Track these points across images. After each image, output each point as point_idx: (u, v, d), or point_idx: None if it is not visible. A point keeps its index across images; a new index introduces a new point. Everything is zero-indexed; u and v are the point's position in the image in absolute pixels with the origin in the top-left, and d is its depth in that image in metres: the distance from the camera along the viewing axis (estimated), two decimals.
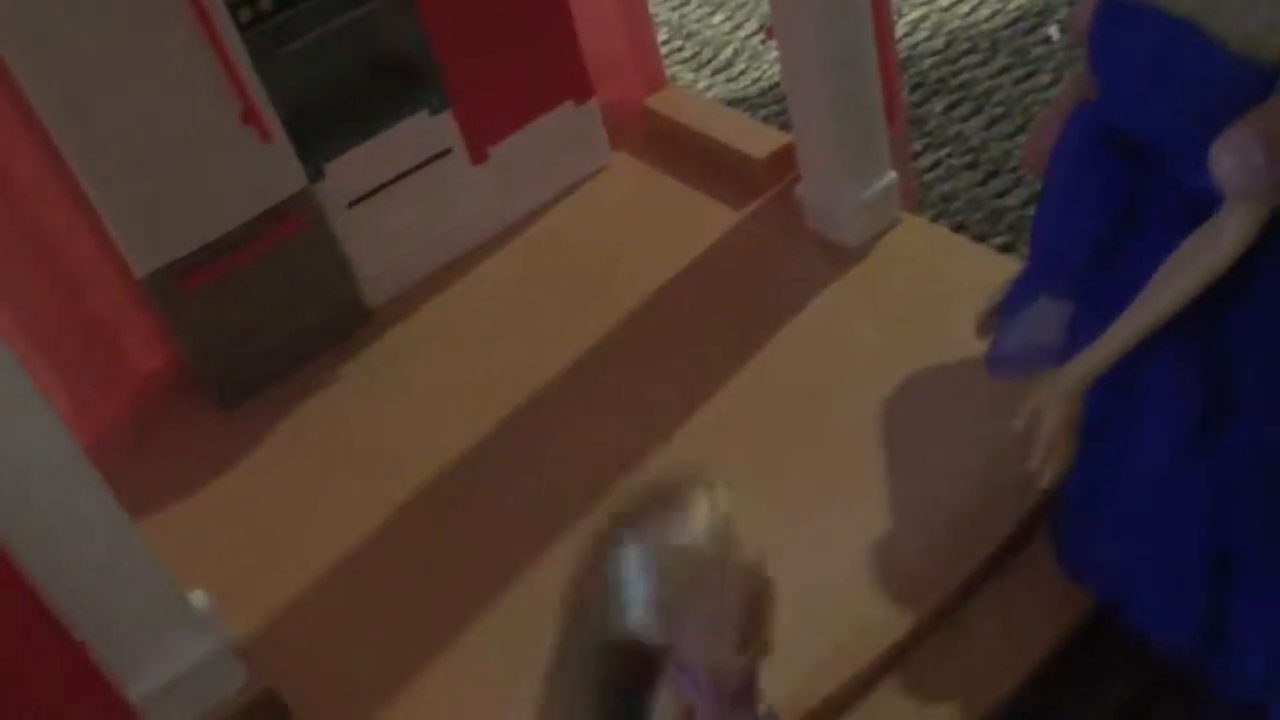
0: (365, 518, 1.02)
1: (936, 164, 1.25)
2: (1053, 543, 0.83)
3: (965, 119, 1.29)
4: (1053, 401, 0.62)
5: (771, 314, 1.09)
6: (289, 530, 1.03)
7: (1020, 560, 0.87)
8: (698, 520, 0.53)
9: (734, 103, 1.41)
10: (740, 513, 0.55)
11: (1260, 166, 0.52)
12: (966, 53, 1.38)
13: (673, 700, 0.58)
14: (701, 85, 1.46)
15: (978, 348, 0.99)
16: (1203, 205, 0.58)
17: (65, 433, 0.77)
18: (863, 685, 0.83)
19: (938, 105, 1.32)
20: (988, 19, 1.42)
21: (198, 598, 0.89)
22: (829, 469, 0.95)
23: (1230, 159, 0.53)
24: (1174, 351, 0.60)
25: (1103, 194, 0.63)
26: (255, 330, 1.12)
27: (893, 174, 1.10)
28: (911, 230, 1.12)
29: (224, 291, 1.08)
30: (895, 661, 0.84)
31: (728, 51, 1.50)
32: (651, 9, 1.31)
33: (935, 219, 1.17)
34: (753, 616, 0.55)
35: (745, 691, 0.59)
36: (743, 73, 1.46)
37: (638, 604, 0.54)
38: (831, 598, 0.86)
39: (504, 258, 1.22)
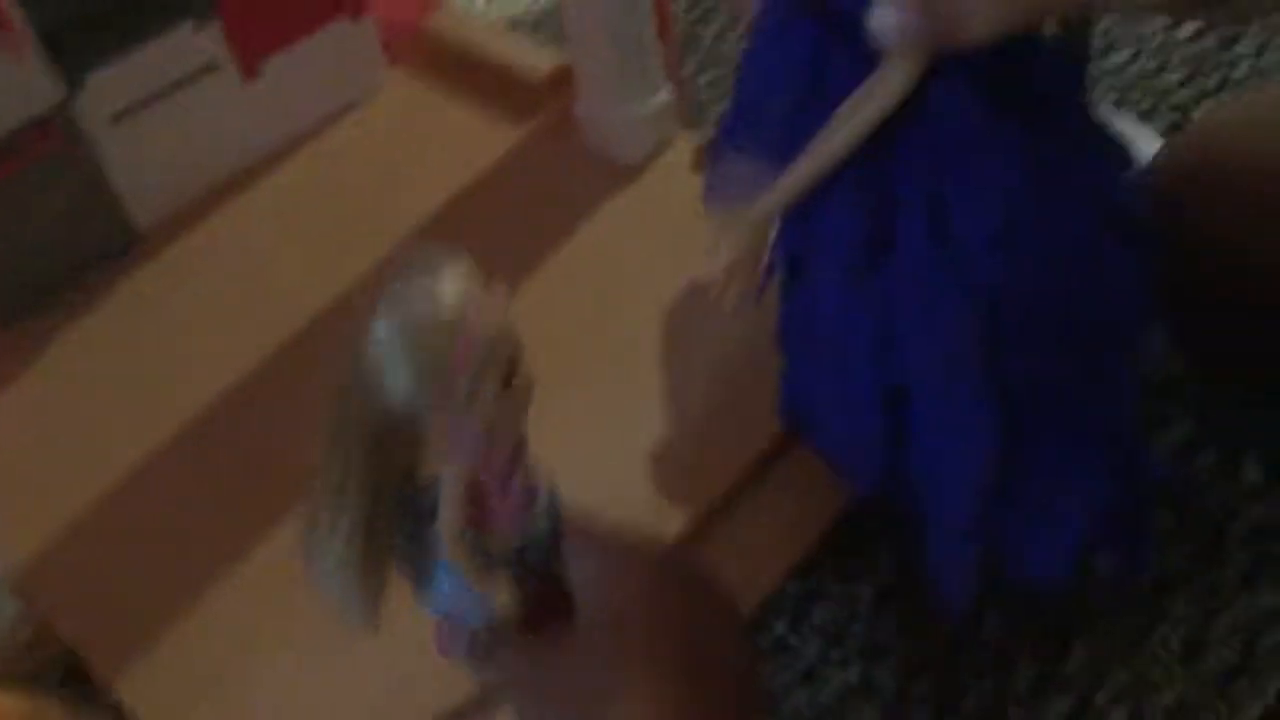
0: (139, 439, 0.99)
1: (712, 83, 1.29)
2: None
3: (739, 40, 1.33)
4: (735, 231, 0.67)
5: (551, 231, 1.10)
6: (59, 455, 0.99)
7: (788, 457, 0.92)
8: (446, 283, 0.56)
9: (513, 24, 1.41)
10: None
11: (914, 21, 0.57)
12: None
13: (459, 463, 0.60)
14: (479, 7, 1.45)
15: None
16: (874, 64, 0.63)
17: None
18: None
19: (712, 27, 1.35)
20: None
21: None
22: (612, 380, 0.98)
23: (885, 15, 0.58)
24: (841, 192, 0.65)
25: (792, 54, 0.67)
26: (18, 252, 1.07)
27: (666, 93, 1.13)
28: (686, 148, 1.15)
29: None
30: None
31: None
32: None
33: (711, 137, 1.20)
34: (509, 361, 0.58)
35: (520, 448, 0.63)
36: None
37: (400, 373, 0.56)
38: (612, 501, 0.89)
39: (277, 178, 1.20)
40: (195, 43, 1.11)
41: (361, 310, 0.58)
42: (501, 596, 0.66)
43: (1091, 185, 0.65)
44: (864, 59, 0.61)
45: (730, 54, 1.31)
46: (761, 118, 0.69)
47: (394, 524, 0.64)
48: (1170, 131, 1.13)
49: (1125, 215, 0.66)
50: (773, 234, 0.74)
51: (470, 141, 1.20)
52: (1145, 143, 1.08)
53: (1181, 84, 1.19)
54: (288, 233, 1.15)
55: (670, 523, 0.88)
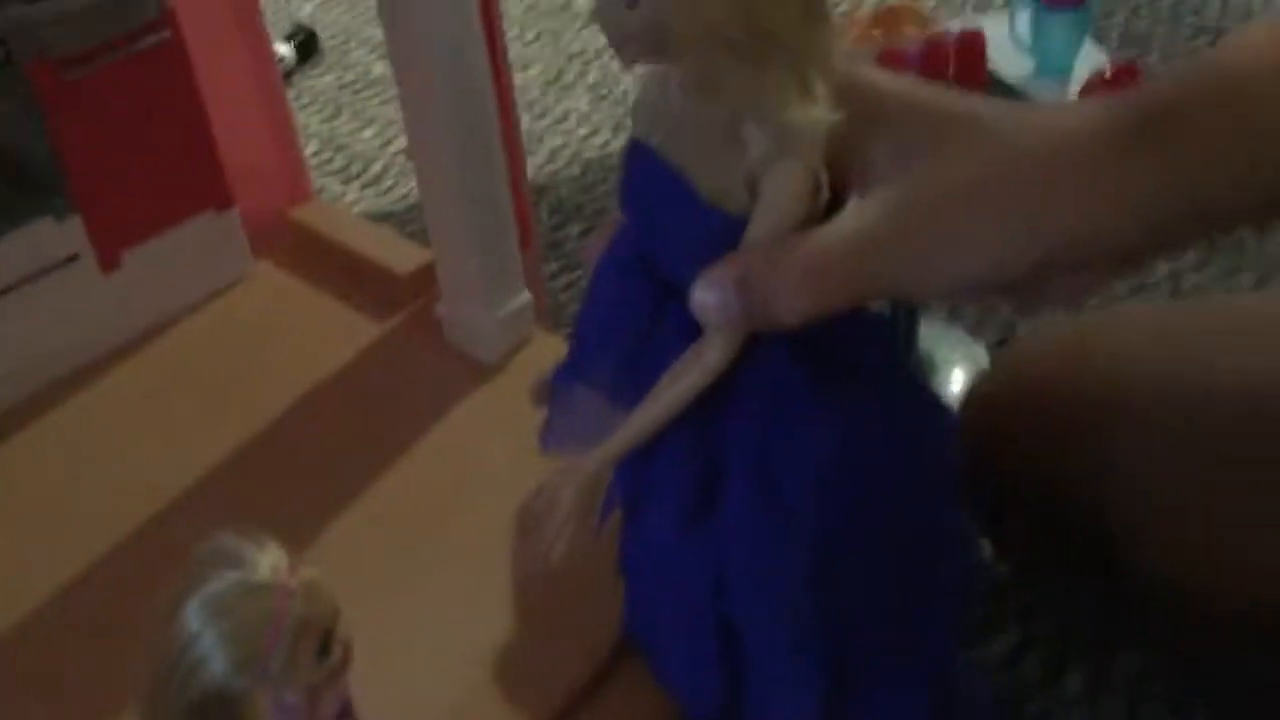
0: None
1: (570, 284, 1.33)
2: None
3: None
4: (566, 484, 0.70)
5: (408, 427, 1.11)
6: None
7: (632, 667, 0.93)
8: (253, 566, 0.59)
9: (383, 217, 1.45)
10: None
11: (731, 304, 0.61)
12: (600, 182, 1.48)
13: None
14: (350, 198, 1.49)
15: None
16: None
17: None
18: None
19: (574, 229, 1.41)
20: (620, 152, 1.52)
21: None
22: (456, 580, 0.98)
23: (704, 297, 0.62)
24: (673, 445, 0.69)
25: (628, 311, 0.71)
26: None
27: (527, 294, 1.16)
28: (545, 346, 1.18)
29: None
30: None
31: (377, 166, 1.54)
32: (303, 120, 1.34)
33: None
34: (325, 631, 0.61)
35: (346, 710, 0.65)
36: (391, 188, 1.50)
37: (212, 656, 0.57)
38: (451, 708, 0.89)
39: (136, 366, 1.20)
40: (54, 236, 1.12)
41: (169, 596, 0.60)
42: None
43: (908, 436, 0.69)
44: (694, 324, 0.65)
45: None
46: (598, 363, 0.73)
47: None
48: (998, 346, 1.20)
49: (941, 466, 0.70)
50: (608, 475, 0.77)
51: (333, 334, 1.22)
52: (973, 359, 1.15)
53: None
54: (143, 424, 1.14)
55: None
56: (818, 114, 0.59)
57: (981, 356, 1.15)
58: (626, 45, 0.61)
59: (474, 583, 0.99)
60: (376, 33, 1.84)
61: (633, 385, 0.69)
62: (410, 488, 1.07)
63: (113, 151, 1.12)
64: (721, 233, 0.62)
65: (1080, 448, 0.83)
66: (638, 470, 0.73)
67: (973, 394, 0.90)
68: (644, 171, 0.66)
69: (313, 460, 1.09)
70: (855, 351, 0.67)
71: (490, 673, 0.92)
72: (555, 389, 0.81)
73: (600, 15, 0.60)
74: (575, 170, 1.47)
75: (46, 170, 1.09)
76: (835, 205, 0.63)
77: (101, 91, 1.09)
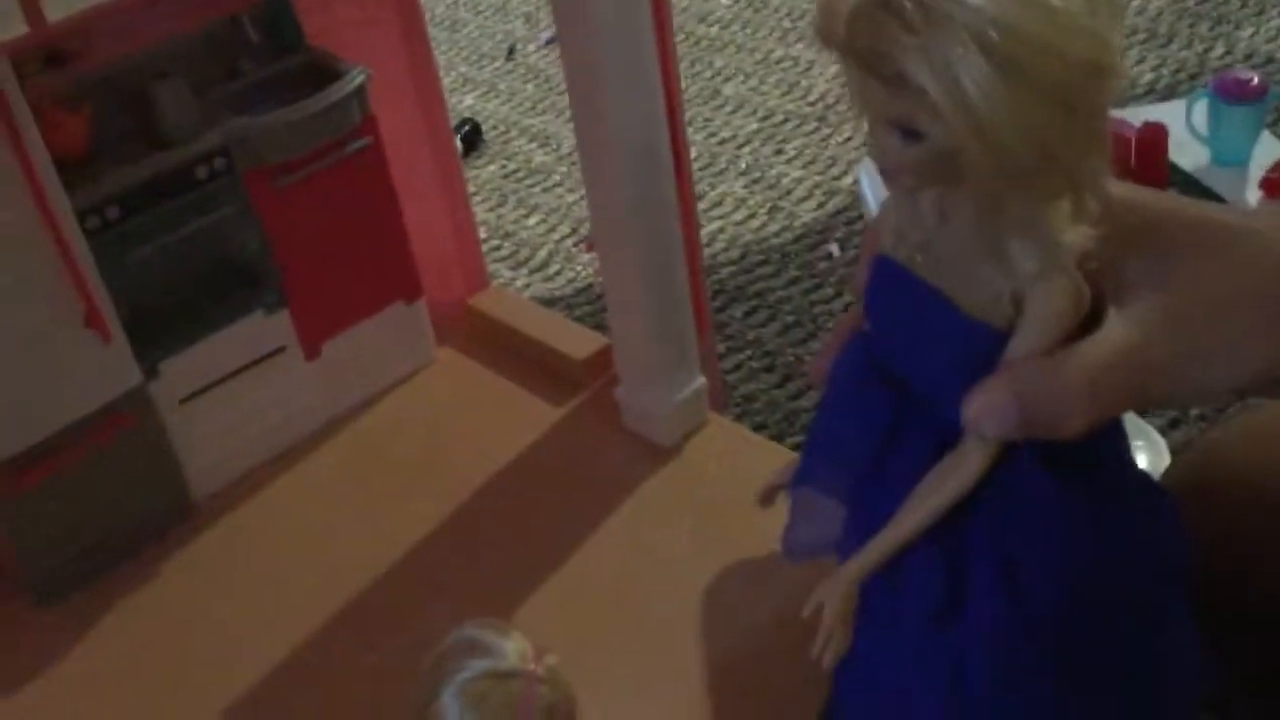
0: (196, 702, 1.02)
1: (737, 366, 1.37)
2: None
3: (762, 325, 1.42)
4: (832, 595, 0.72)
5: (590, 509, 1.16)
6: (125, 716, 1.02)
7: None
8: (502, 654, 0.65)
9: (550, 301, 1.50)
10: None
11: (1009, 416, 0.63)
12: (760, 264, 1.52)
13: None
14: (519, 283, 1.55)
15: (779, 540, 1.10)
16: (949, 433, 0.69)
17: None
18: None
19: (737, 311, 1.45)
20: (776, 234, 1.57)
21: None
22: (644, 662, 1.01)
23: (981, 408, 0.64)
24: (923, 551, 0.71)
25: (868, 419, 0.74)
26: (81, 526, 1.12)
27: (702, 379, 1.21)
28: (718, 430, 1.22)
29: (54, 488, 1.08)
30: None
31: (543, 252, 1.61)
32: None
33: (738, 418, 1.28)
34: (569, 713, 0.67)
35: None
36: (558, 273, 1.57)
37: None
38: None
39: (330, 451, 1.27)
40: (264, 329, 1.20)
41: (422, 684, 0.66)
42: None
43: (1146, 538, 0.71)
44: (936, 428, 0.68)
45: (755, 339, 1.40)
46: (836, 471, 0.76)
47: None
48: (1170, 429, 1.20)
49: (1177, 565, 0.72)
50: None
51: (514, 417, 1.27)
52: (1153, 444, 1.15)
53: None
54: (338, 506, 1.21)
55: None
56: (1085, 232, 0.62)
57: (1159, 441, 1.16)
58: (901, 175, 0.65)
59: (662, 667, 1.02)
60: (536, 122, 1.92)
61: (869, 491, 0.72)
62: (596, 570, 1.11)
63: (318, 249, 1.20)
64: (984, 346, 0.64)
65: None
66: (880, 576, 0.75)
67: (1169, 485, 0.91)
68: (894, 284, 0.69)
69: (501, 540, 1.14)
70: (1094, 452, 0.69)
71: None
72: (793, 495, 0.84)
73: (878, 149, 0.64)
74: (735, 254, 1.52)
75: (261, 268, 1.17)
76: (1090, 315, 0.66)
77: (311, 194, 1.17)
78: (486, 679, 0.64)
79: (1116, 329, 0.62)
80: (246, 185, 1.14)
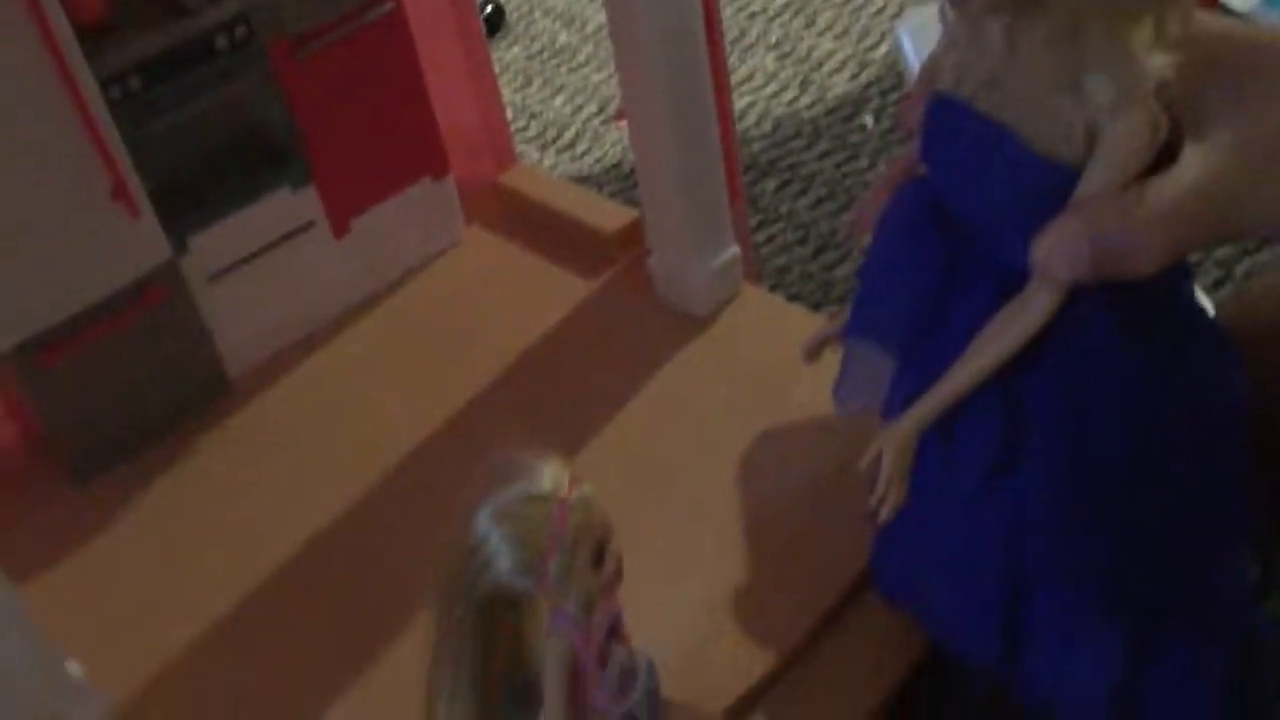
0: (232, 588, 1.03)
1: (770, 239, 1.35)
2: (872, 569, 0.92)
3: (794, 198, 1.40)
4: (890, 445, 0.71)
5: (626, 380, 1.15)
6: (154, 603, 1.03)
7: (863, 604, 0.95)
8: (539, 477, 0.65)
9: (578, 180, 1.48)
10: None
11: (1082, 255, 0.61)
12: (792, 137, 1.49)
13: (556, 645, 0.67)
14: (547, 163, 1.53)
15: (816, 408, 1.09)
16: (1009, 278, 0.67)
17: None
18: None
19: (769, 185, 1.42)
20: (809, 107, 1.54)
21: (72, 667, 0.89)
22: (683, 528, 1.01)
23: (1051, 249, 0.62)
24: (980, 403, 0.69)
25: (922, 268, 0.72)
26: (115, 402, 1.12)
27: (735, 248, 1.19)
28: (752, 300, 1.20)
29: (85, 364, 1.08)
30: (748, 706, 0.90)
31: (570, 132, 1.58)
32: None
33: (772, 290, 1.26)
34: (599, 543, 0.66)
35: (616, 625, 0.70)
36: (586, 152, 1.54)
37: (498, 557, 0.64)
38: (685, 654, 0.91)
39: (363, 328, 1.26)
40: (291, 204, 1.19)
41: (464, 501, 0.65)
42: None
43: (1210, 385, 0.69)
44: (997, 274, 0.66)
45: (788, 212, 1.38)
46: (887, 319, 0.74)
47: (504, 704, 0.70)
48: (1214, 288, 1.18)
49: (1238, 412, 0.70)
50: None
51: (545, 292, 1.26)
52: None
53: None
54: (372, 383, 1.20)
55: (755, 663, 0.90)
56: (1163, 61, 0.60)
57: (1204, 300, 1.13)
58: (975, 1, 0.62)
59: (700, 531, 1.02)
60: (559, 2, 1.88)
61: (923, 343, 0.71)
62: (631, 439, 1.10)
63: (344, 122, 1.18)
64: (1054, 184, 0.62)
65: None
66: (933, 429, 0.74)
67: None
68: (954, 123, 0.66)
69: (536, 412, 1.13)
70: (1161, 297, 0.67)
71: (719, 620, 0.95)
72: (845, 346, 0.82)
73: None
74: (766, 127, 1.49)
75: (286, 142, 1.16)
76: (1164, 148, 0.64)
77: (334, 64, 1.14)
78: (521, 502, 0.64)
79: (1193, 162, 0.59)
80: (268, 54, 1.11)
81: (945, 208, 0.69)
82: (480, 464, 0.67)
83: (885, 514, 0.71)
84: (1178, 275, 0.68)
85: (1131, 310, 0.65)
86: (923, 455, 0.72)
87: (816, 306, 1.24)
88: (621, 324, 1.22)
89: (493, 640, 0.68)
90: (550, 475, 0.65)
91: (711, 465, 1.06)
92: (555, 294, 1.26)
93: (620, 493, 1.03)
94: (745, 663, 0.91)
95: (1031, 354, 0.66)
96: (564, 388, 1.16)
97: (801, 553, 0.98)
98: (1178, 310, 0.69)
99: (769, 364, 1.14)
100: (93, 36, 1.02)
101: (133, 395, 1.13)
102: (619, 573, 0.68)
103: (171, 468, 1.14)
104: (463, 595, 0.66)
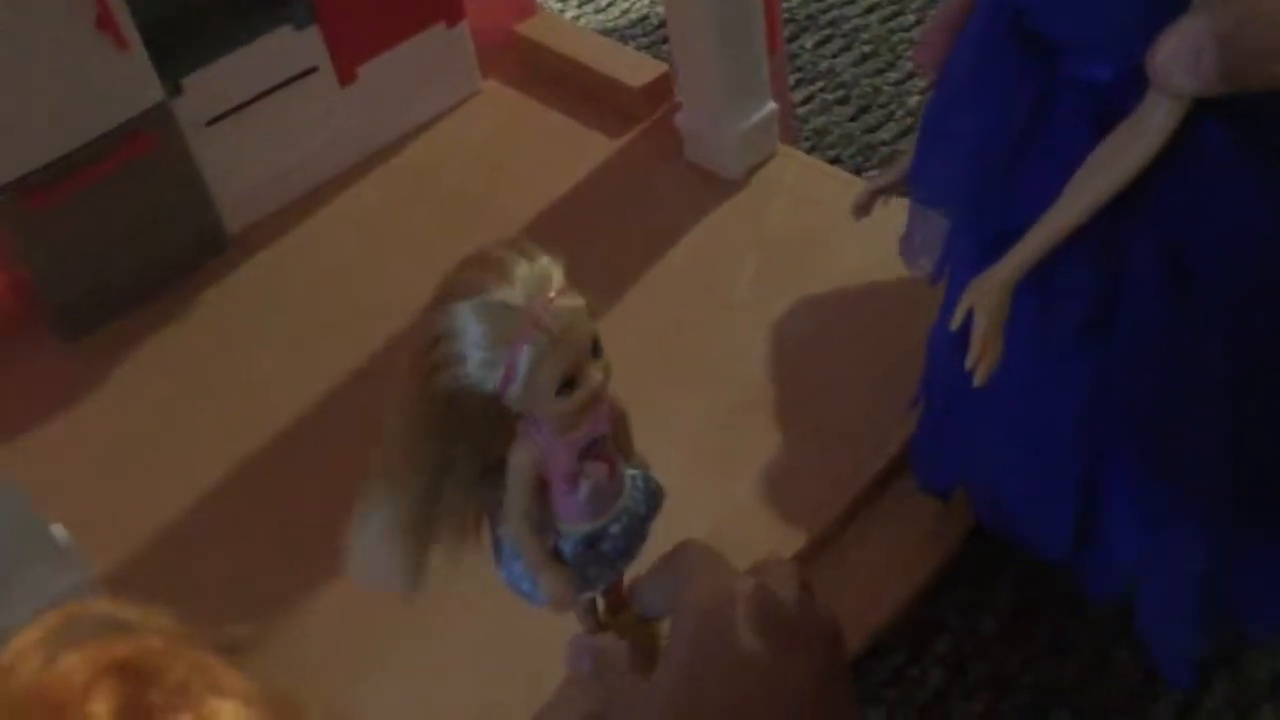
0: (227, 446, 0.97)
1: (809, 99, 1.26)
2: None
3: (835, 55, 1.30)
4: (985, 299, 0.63)
5: (653, 242, 1.08)
6: (146, 461, 0.97)
7: (904, 481, 0.89)
8: (516, 275, 0.57)
9: (603, 33, 1.39)
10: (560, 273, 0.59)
11: (1208, 59, 0.52)
12: None
13: (519, 453, 0.63)
14: (570, 15, 1.43)
15: (857, 275, 1.01)
16: (1110, 109, 0.59)
17: None
18: None
19: (808, 41, 1.33)
20: None
21: (56, 530, 0.84)
22: (714, 395, 0.95)
23: (1175, 52, 0.53)
24: (1074, 249, 0.61)
25: (1005, 95, 0.63)
26: (108, 254, 1.05)
27: (772, 104, 1.10)
28: (790, 161, 1.12)
29: (75, 211, 1.01)
30: None
31: None
32: None
33: (810, 152, 1.18)
34: (575, 357, 0.58)
35: (598, 444, 0.64)
36: (611, 3, 1.44)
37: (469, 355, 0.57)
38: (719, 522, 0.86)
39: (372, 184, 1.18)
40: (293, 46, 1.10)
41: (444, 286, 0.58)
42: (557, 583, 0.66)
43: None
44: (1090, 104, 0.58)
45: (828, 69, 1.29)
46: (958, 160, 0.65)
47: (463, 498, 0.66)
48: None
49: None
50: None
51: (566, 151, 1.18)
52: None
53: None
54: (381, 241, 1.13)
55: (783, 544, 0.85)
56: None
57: None
58: None
59: (726, 402, 0.95)
60: None
61: (996, 192, 0.63)
62: (660, 303, 1.03)
63: None
64: None
65: None
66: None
67: None
68: None
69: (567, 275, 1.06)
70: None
71: (759, 486, 0.89)
72: (911, 198, 0.74)
73: None
74: None
75: None
76: None
77: None
78: (504, 306, 0.57)
79: None
80: None
81: (1031, 28, 0.60)
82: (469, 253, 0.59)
83: (981, 376, 0.63)
84: None
85: (1251, 137, 0.57)
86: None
87: (858, 171, 1.16)
88: (648, 184, 1.14)
89: (460, 437, 0.62)
90: (534, 277, 0.58)
91: (741, 333, 0.99)
92: (577, 152, 1.17)
93: (645, 361, 0.97)
94: (777, 536, 0.85)
95: (1133, 191, 0.58)
96: (586, 253, 1.05)
97: (836, 431, 0.91)
98: None
99: (806, 229, 1.06)
100: None
101: (125, 248, 1.06)
102: (592, 402, 0.61)
103: (166, 326, 1.08)
104: (421, 385, 0.59)
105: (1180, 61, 0.53)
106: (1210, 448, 0.63)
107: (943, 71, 0.67)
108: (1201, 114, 0.56)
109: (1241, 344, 0.60)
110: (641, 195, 1.13)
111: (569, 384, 0.60)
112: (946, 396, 0.76)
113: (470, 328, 0.58)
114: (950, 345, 0.70)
